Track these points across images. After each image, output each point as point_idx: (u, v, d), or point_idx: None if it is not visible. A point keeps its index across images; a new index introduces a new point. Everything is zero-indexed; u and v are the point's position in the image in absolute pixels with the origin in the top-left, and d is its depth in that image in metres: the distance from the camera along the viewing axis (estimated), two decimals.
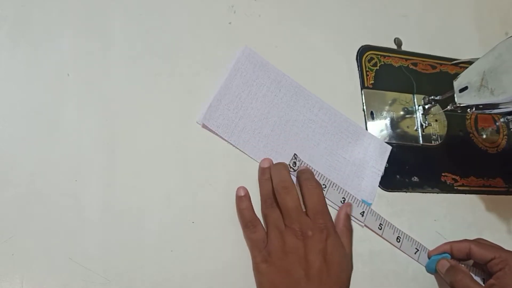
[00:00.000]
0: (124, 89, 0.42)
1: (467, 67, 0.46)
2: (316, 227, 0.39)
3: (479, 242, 0.47)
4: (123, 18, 0.44)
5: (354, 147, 0.49)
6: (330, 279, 0.38)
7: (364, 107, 0.51)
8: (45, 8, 0.42)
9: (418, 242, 0.48)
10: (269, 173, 0.43)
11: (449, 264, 0.45)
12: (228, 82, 0.45)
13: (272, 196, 0.42)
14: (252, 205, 0.42)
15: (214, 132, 0.44)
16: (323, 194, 0.42)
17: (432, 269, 0.47)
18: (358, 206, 0.47)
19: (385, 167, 0.49)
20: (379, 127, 0.51)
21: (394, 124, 0.52)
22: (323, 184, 0.46)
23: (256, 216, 0.42)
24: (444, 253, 0.47)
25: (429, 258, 0.48)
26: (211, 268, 0.41)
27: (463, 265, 0.46)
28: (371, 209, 0.47)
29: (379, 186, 0.49)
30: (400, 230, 0.47)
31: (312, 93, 0.48)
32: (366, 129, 0.50)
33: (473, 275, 0.45)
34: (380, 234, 0.47)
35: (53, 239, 0.37)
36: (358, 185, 0.48)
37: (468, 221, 0.52)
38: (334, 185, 0.46)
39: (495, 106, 0.45)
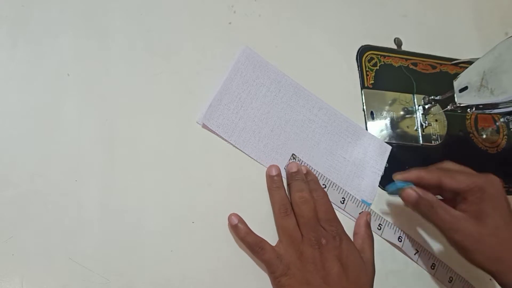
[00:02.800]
0: (124, 89, 0.42)
1: (467, 67, 0.46)
2: (329, 235, 0.41)
3: (449, 171, 0.43)
4: (123, 18, 0.44)
5: (354, 147, 0.49)
6: (350, 282, 0.39)
7: (364, 107, 0.51)
8: (44, 8, 0.42)
9: (419, 243, 0.48)
10: (279, 181, 0.43)
11: (416, 194, 0.41)
12: (228, 82, 0.45)
13: (286, 204, 0.42)
14: (249, 228, 0.41)
15: (214, 132, 0.44)
16: (330, 201, 0.43)
17: (393, 193, 0.44)
18: (357, 206, 0.47)
19: (385, 167, 0.49)
20: (379, 127, 0.51)
21: (394, 124, 0.52)
22: (323, 184, 0.46)
23: (259, 237, 0.41)
24: (408, 182, 0.43)
25: (393, 180, 0.44)
26: (211, 268, 0.41)
27: (430, 194, 0.42)
28: (371, 209, 0.47)
29: (379, 186, 0.49)
30: (401, 230, 0.47)
31: (312, 93, 0.48)
32: (366, 129, 0.50)
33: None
34: (380, 235, 0.47)
35: (53, 239, 0.37)
36: (358, 185, 0.48)
37: None
38: (334, 185, 0.46)
39: (495, 106, 0.45)
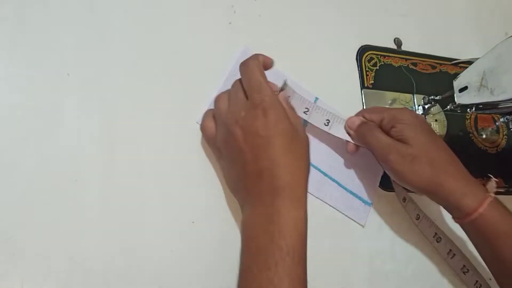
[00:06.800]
0: (124, 89, 0.42)
1: (467, 67, 0.46)
2: (250, 106, 0.37)
3: (369, 108, 0.48)
4: (123, 17, 0.44)
5: None
6: (275, 152, 0.36)
7: (364, 107, 0.51)
8: (45, 8, 0.42)
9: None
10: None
11: (359, 121, 0.45)
12: (228, 82, 0.45)
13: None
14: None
15: None
16: (262, 70, 0.38)
17: None
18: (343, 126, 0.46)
19: None
20: None
21: None
22: (306, 108, 0.44)
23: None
24: None
25: None
26: (211, 268, 0.41)
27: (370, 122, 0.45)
28: (371, 209, 0.47)
29: (379, 186, 0.49)
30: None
31: (312, 93, 0.48)
32: None
33: None
34: (379, 235, 0.47)
35: (53, 239, 0.37)
36: (358, 185, 0.48)
37: None
38: (318, 108, 0.44)
39: (495, 106, 0.45)
